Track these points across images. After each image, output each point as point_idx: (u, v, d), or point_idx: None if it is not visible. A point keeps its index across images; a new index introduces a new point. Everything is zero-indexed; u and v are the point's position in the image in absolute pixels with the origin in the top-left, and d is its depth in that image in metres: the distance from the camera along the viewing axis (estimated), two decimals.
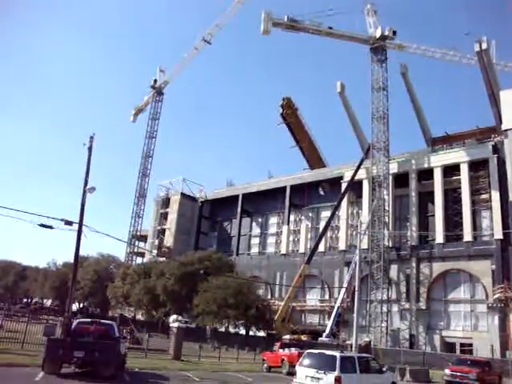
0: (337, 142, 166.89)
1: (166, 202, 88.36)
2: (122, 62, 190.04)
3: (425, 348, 51.38)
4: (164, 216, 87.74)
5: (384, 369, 19.31)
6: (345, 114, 69.49)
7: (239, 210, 79.11)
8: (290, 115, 79.11)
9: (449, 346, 52.07)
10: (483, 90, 58.37)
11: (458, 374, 27.57)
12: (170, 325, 34.70)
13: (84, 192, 23.67)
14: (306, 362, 16.80)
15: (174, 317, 40.64)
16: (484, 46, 55.56)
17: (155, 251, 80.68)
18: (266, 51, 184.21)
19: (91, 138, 24.75)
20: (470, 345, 50.20)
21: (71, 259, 25.10)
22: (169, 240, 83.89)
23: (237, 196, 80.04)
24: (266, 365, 30.70)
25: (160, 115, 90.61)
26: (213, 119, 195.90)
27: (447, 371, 28.40)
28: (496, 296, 48.39)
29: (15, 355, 20.61)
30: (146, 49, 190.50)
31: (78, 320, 21.83)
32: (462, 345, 51.35)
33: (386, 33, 60.41)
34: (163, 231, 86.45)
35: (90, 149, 24.62)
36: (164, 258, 70.81)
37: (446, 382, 28.11)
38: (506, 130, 52.93)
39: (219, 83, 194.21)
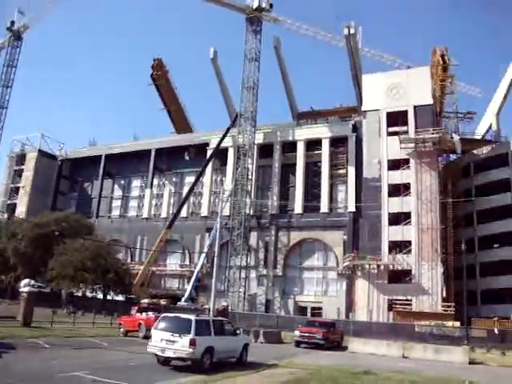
0: (206, 108, 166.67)
1: (21, 159, 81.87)
2: None
3: (279, 312, 54.43)
4: (18, 173, 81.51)
5: (238, 331, 19.94)
6: (216, 81, 69.50)
7: (101, 171, 75.89)
8: (161, 77, 77.01)
9: (301, 310, 55.58)
10: (348, 72, 61.89)
11: (307, 334, 29.70)
12: (20, 289, 32.67)
13: None
14: (162, 325, 16.77)
15: (25, 281, 38.23)
16: (352, 30, 58.82)
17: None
18: (144, 8, 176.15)
19: None
20: (320, 308, 54.29)
21: None
22: (23, 199, 78.51)
23: (99, 156, 76.56)
24: (122, 329, 30.10)
25: (18, 63, 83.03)
26: (79, 74, 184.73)
27: (297, 332, 30.47)
28: (345, 264, 52.29)
29: None
30: None
31: None
32: (313, 308, 55.10)
33: (264, 5, 60.93)
34: (17, 190, 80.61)
35: None
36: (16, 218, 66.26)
37: (296, 341, 30.11)
38: (365, 111, 56.94)
39: (88, 36, 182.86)
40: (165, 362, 16.72)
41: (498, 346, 35.44)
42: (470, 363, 25.45)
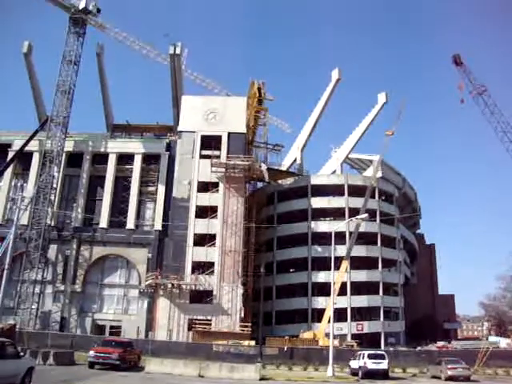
0: (14, 106, 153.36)
1: None
2: None
3: (75, 331, 51.40)
4: None
5: (22, 353, 18.09)
6: (27, 78, 64.54)
7: None
8: None
9: (100, 329, 53.19)
10: (169, 90, 62.04)
11: (102, 354, 28.23)
12: None
13: None
14: None
15: None
16: (178, 50, 59.31)
17: None
18: None
19: None
20: (120, 327, 52.43)
21: None
22: None
23: None
24: None
25: None
26: None
27: (91, 352, 28.74)
28: (148, 282, 51.74)
29: None
30: None
31: None
32: (112, 327, 52.98)
33: (90, 8, 57.71)
34: None
35: None
36: None
37: (90, 362, 28.42)
38: (180, 132, 57.86)
39: None
40: None
41: (287, 362, 38.61)
42: (260, 379, 26.94)
